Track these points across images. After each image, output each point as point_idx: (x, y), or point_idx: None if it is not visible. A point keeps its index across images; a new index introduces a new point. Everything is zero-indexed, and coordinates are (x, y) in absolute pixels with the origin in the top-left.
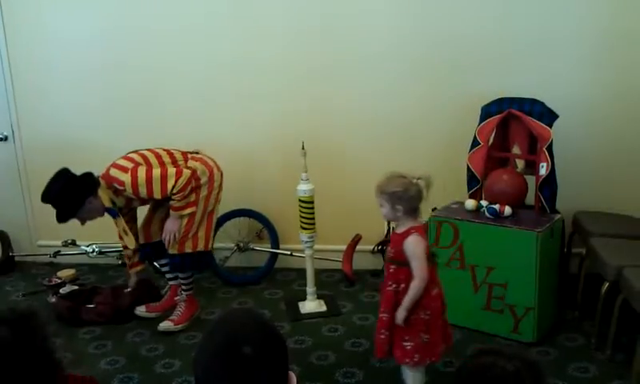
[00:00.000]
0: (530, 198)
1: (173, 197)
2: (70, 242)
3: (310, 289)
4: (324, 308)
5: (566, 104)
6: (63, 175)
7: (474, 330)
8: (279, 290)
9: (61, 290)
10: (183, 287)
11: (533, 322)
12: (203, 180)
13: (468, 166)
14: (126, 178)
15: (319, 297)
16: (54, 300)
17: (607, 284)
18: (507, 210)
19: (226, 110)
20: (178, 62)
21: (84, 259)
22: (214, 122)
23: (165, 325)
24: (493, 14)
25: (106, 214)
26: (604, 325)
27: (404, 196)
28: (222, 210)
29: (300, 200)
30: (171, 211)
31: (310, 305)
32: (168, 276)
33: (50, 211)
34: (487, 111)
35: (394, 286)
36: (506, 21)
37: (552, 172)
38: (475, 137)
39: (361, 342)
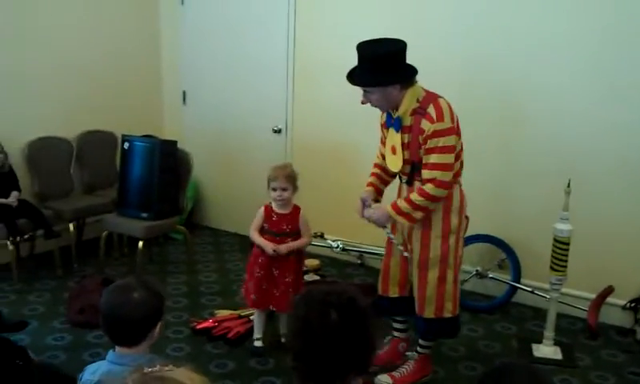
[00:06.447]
0: None
1: (422, 187)
2: (319, 234)
3: (549, 333)
4: (559, 356)
5: None
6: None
7: None
8: (512, 325)
9: (305, 277)
10: (421, 345)
11: None
12: (455, 205)
13: None
14: (446, 121)
15: (555, 343)
16: None
17: None
18: None
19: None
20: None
21: (327, 252)
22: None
23: (384, 379)
24: None
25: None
26: None
27: None
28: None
29: (555, 239)
30: (405, 202)
31: (545, 349)
32: (398, 327)
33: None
34: None
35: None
36: None
37: None
38: None
39: None
